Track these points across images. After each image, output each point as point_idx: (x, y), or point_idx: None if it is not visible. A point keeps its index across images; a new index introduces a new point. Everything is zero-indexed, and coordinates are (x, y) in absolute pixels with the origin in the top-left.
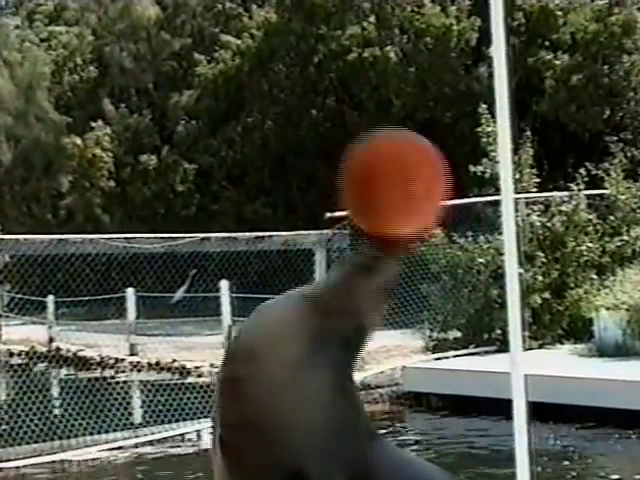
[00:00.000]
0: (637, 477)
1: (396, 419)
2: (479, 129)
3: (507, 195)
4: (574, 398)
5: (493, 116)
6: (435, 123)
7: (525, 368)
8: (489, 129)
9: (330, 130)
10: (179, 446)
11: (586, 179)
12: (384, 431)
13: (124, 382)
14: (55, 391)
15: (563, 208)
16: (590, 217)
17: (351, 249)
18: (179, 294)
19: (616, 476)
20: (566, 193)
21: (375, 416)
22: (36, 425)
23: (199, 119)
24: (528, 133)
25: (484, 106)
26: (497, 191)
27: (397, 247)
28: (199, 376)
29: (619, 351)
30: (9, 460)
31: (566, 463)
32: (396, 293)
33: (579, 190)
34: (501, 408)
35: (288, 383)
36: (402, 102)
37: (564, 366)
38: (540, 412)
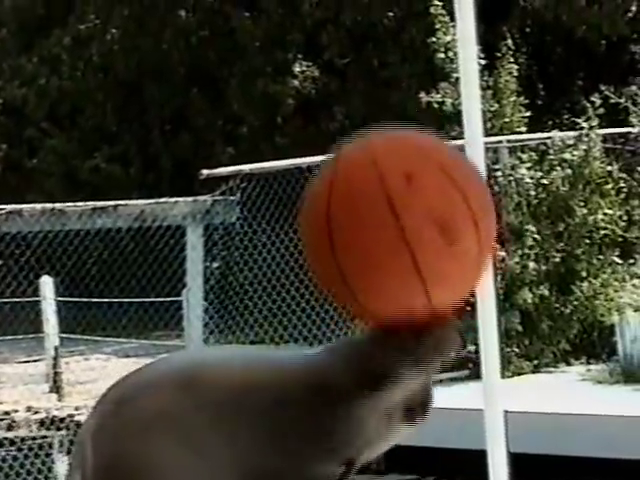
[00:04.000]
0: None
1: None
2: (433, 39)
3: (475, 137)
4: (587, 447)
5: (453, 19)
6: (370, 29)
7: (507, 402)
8: (448, 38)
9: (208, 41)
10: None
11: (602, 111)
12: None
13: None
14: None
15: (567, 156)
16: (609, 169)
17: (241, 225)
18: None
19: None
20: (572, 133)
21: None
22: None
23: (3, 26)
24: (510, 42)
25: (439, 3)
26: (463, 131)
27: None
28: (9, 428)
29: None
30: None
31: None
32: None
33: (591, 128)
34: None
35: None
36: None
37: (571, 398)
38: (531, 467)
